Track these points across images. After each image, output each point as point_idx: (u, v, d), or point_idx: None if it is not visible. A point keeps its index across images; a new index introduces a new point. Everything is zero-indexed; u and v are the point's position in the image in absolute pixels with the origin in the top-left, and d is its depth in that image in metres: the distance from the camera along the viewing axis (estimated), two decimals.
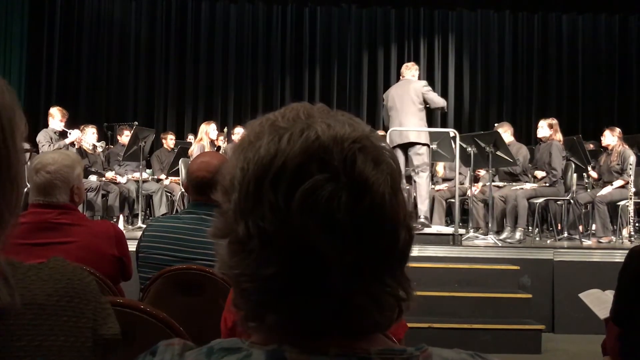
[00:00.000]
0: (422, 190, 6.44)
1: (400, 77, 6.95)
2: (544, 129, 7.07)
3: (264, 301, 0.68)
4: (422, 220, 6.35)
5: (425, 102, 6.55)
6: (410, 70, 6.87)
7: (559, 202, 7.22)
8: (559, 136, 7.02)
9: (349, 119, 0.71)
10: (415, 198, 6.43)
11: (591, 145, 8.57)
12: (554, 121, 7.13)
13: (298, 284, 0.66)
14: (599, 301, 2.93)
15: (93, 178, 7.53)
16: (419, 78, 6.96)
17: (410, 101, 6.53)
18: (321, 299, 0.66)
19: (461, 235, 6.24)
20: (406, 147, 6.49)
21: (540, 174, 7.03)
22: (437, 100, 6.64)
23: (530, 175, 7.30)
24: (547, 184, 6.91)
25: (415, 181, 6.51)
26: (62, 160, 2.37)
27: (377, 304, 0.67)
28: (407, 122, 6.49)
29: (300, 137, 0.67)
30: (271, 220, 0.66)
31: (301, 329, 0.67)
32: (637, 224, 7.20)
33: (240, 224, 0.68)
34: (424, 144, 6.50)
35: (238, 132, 8.62)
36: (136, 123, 8.98)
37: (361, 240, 0.66)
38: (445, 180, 8.43)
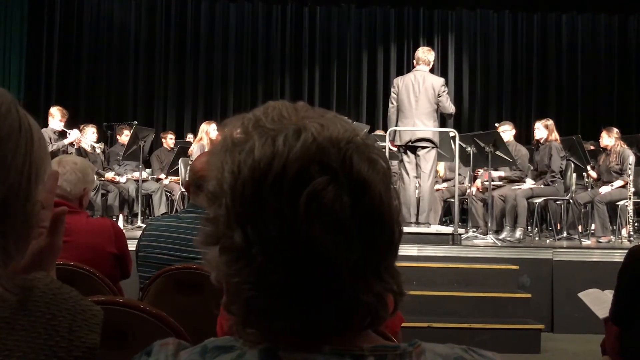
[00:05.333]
0: (425, 194, 6.27)
1: (414, 63, 6.48)
2: (541, 130, 7.08)
3: (270, 308, 0.67)
4: (422, 221, 6.32)
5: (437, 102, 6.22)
6: (426, 56, 6.37)
7: (558, 202, 7.22)
8: (555, 136, 7.03)
9: (336, 117, 0.71)
10: (418, 200, 6.36)
11: (591, 146, 8.58)
12: (550, 122, 7.14)
13: (305, 288, 0.66)
14: (598, 301, 2.94)
15: None
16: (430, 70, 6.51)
17: (426, 100, 6.17)
18: (329, 301, 0.66)
19: (460, 234, 6.23)
20: (415, 148, 6.24)
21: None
22: (448, 106, 6.29)
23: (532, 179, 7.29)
24: (546, 184, 6.92)
25: (419, 185, 6.32)
26: (83, 162, 2.58)
27: (379, 300, 0.68)
28: (421, 125, 6.17)
29: (297, 139, 0.66)
30: (276, 225, 0.64)
31: (304, 330, 0.67)
32: (636, 224, 7.21)
33: (236, 231, 0.66)
34: (433, 147, 6.25)
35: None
36: (136, 122, 8.98)
37: (363, 240, 0.66)
38: (445, 180, 8.43)
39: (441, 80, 6.42)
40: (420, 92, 6.19)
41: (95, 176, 2.71)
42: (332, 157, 0.65)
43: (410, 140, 6.22)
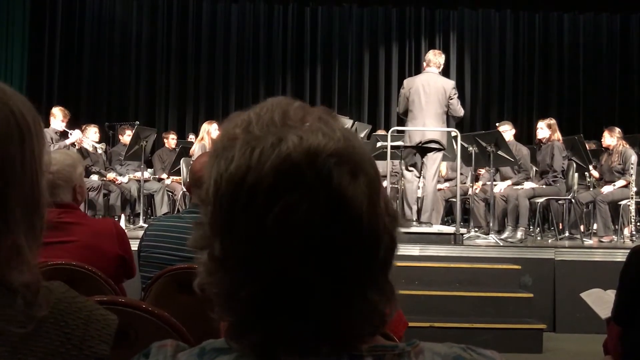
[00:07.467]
0: (428, 194, 6.26)
1: (424, 65, 6.46)
2: (544, 130, 7.07)
3: (243, 322, 0.67)
4: (424, 221, 6.30)
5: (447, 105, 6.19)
6: (437, 59, 6.33)
7: (560, 202, 7.21)
8: (558, 135, 7.03)
9: (325, 124, 0.67)
10: (421, 199, 6.35)
11: (593, 145, 8.57)
12: (552, 121, 7.13)
13: (276, 305, 0.64)
14: (601, 301, 2.93)
15: (94, 177, 7.54)
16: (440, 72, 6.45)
17: (437, 101, 6.13)
18: (301, 318, 0.64)
19: (462, 234, 6.23)
20: (425, 150, 6.21)
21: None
22: (459, 109, 6.30)
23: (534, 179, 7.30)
24: (548, 184, 6.91)
25: (423, 184, 6.32)
26: (63, 160, 2.38)
27: (359, 318, 0.66)
28: (431, 126, 6.14)
29: (271, 152, 0.63)
30: (246, 243, 0.64)
31: (282, 345, 0.66)
32: (638, 224, 7.19)
33: (216, 242, 0.66)
34: (441, 149, 6.23)
35: None
36: (137, 123, 8.99)
37: (340, 257, 0.64)
38: (447, 180, 8.43)
39: (452, 82, 6.39)
40: (431, 94, 6.16)
41: (84, 166, 2.60)
42: (307, 172, 0.63)
43: (420, 142, 6.21)
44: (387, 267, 0.68)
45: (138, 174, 7.91)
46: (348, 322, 0.65)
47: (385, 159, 6.34)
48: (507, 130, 7.47)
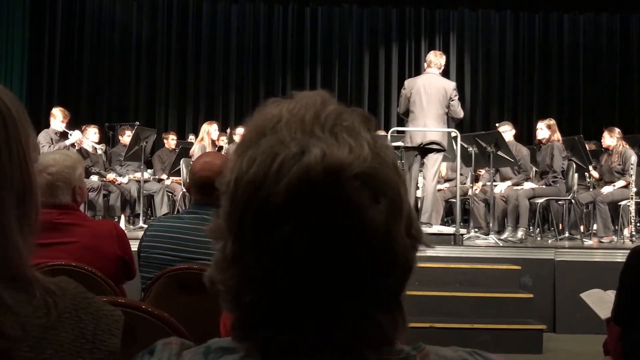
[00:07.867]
0: (428, 194, 6.26)
1: (425, 66, 6.46)
2: (543, 130, 7.07)
3: (241, 326, 0.67)
4: (424, 221, 6.30)
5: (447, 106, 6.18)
6: (438, 60, 6.35)
7: (560, 202, 7.22)
8: (557, 136, 7.03)
9: (355, 136, 0.64)
10: (421, 200, 6.35)
11: (593, 145, 8.57)
12: (552, 121, 7.13)
13: (281, 313, 0.64)
14: (601, 301, 2.93)
15: (94, 178, 7.54)
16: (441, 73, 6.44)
17: (438, 102, 6.13)
18: (306, 325, 0.64)
19: (462, 235, 6.23)
20: (426, 151, 6.20)
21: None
22: (459, 111, 6.30)
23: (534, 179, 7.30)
24: (548, 184, 6.92)
25: (424, 185, 6.32)
26: (63, 161, 2.37)
27: (361, 339, 0.64)
28: (432, 127, 6.13)
29: (292, 165, 0.61)
30: (253, 250, 0.63)
31: (287, 347, 0.65)
32: (638, 224, 7.19)
33: (229, 241, 0.65)
34: (442, 150, 6.22)
35: (239, 132, 8.60)
36: (137, 123, 8.99)
37: (348, 280, 0.62)
38: (447, 180, 8.43)
39: (453, 84, 6.40)
40: (432, 95, 6.16)
41: (84, 167, 2.60)
42: (324, 193, 0.60)
43: (421, 143, 6.21)
44: (399, 291, 0.66)
45: (138, 175, 7.91)
46: (352, 337, 0.64)
47: None
48: (507, 131, 7.47)
